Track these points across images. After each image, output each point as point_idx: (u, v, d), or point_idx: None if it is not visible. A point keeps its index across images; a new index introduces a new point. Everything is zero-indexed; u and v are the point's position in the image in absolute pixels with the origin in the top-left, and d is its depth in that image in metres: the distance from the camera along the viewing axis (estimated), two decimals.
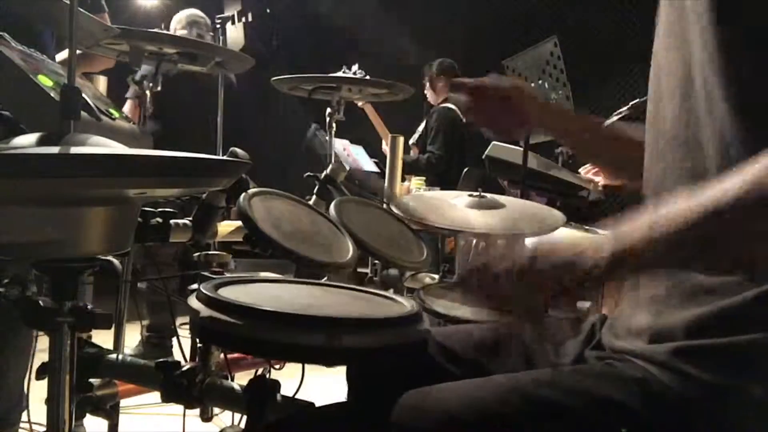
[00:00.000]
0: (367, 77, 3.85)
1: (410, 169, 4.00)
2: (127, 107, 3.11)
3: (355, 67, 3.81)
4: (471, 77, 1.23)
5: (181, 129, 3.07)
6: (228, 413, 1.44)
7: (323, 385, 1.30)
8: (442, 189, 2.94)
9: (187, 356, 1.41)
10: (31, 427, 1.56)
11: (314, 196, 1.71)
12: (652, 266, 0.79)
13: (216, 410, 1.16)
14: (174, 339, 3.07)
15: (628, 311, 0.94)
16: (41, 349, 1.21)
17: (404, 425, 0.86)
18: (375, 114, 4.31)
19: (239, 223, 1.37)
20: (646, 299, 0.89)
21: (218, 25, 3.12)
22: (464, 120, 4.36)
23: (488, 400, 0.86)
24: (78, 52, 1.88)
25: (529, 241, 0.81)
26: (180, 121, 3.08)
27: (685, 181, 0.82)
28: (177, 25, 3.48)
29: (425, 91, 4.42)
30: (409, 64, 4.54)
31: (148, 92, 2.04)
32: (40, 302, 1.03)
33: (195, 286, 1.04)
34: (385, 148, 3.32)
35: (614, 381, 0.84)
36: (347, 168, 1.84)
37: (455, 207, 1.68)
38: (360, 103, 4.17)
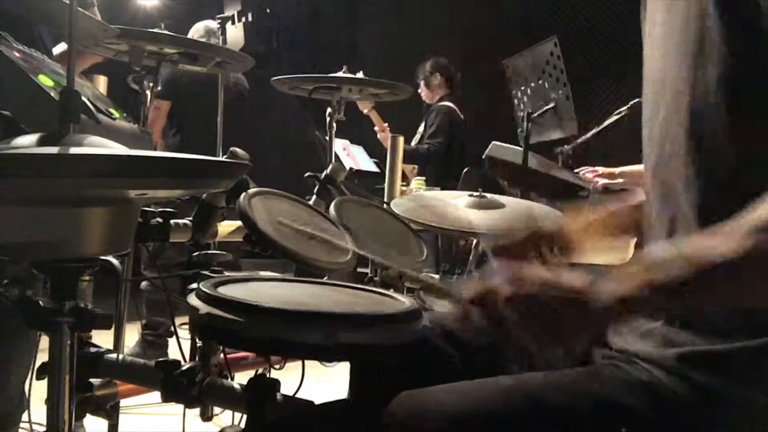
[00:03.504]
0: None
1: (409, 158, 3.97)
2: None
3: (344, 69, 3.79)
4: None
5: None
6: (228, 413, 1.44)
7: (323, 385, 1.30)
8: (442, 189, 2.94)
9: (187, 356, 1.41)
10: (31, 427, 1.55)
11: (314, 196, 1.71)
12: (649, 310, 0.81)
13: (216, 410, 1.16)
14: (171, 337, 3.08)
15: None
16: (41, 349, 1.21)
17: (405, 426, 0.85)
18: (380, 119, 4.26)
19: (239, 223, 1.37)
20: None
21: (218, 25, 3.12)
22: (462, 117, 4.35)
23: (491, 401, 0.84)
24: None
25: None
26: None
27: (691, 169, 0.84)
28: (195, 34, 3.48)
29: (419, 91, 4.38)
30: (409, 63, 4.54)
31: (148, 92, 2.04)
32: (40, 302, 1.03)
33: (194, 285, 1.04)
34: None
35: (621, 385, 0.84)
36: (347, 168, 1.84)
37: (455, 207, 1.68)
38: (365, 111, 4.14)
